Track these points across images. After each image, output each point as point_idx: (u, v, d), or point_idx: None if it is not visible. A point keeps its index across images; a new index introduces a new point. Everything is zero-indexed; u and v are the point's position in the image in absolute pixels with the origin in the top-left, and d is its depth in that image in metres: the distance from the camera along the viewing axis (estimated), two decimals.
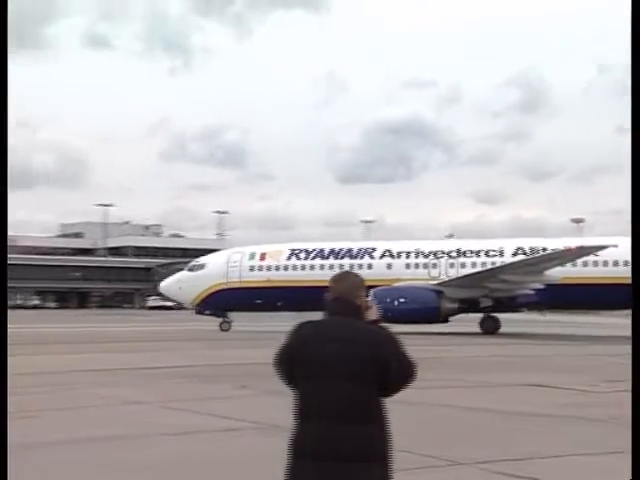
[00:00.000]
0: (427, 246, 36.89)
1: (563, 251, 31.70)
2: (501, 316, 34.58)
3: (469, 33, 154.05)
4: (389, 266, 35.55)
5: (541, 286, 32.46)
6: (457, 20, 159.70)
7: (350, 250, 36.90)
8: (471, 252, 35.69)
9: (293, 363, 3.66)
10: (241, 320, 35.79)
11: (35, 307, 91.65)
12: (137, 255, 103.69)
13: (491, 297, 33.34)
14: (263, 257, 36.17)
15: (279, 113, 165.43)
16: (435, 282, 34.22)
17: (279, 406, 9.35)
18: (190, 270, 36.79)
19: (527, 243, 35.81)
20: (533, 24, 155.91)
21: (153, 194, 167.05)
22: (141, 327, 38.54)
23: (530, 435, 8.70)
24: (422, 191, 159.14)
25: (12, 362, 18.60)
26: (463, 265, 35.04)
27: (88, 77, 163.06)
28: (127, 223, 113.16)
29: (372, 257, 36.08)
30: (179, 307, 56.08)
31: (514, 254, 34.65)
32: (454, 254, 35.55)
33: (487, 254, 35.40)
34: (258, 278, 35.44)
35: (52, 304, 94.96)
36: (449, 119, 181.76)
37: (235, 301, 34.99)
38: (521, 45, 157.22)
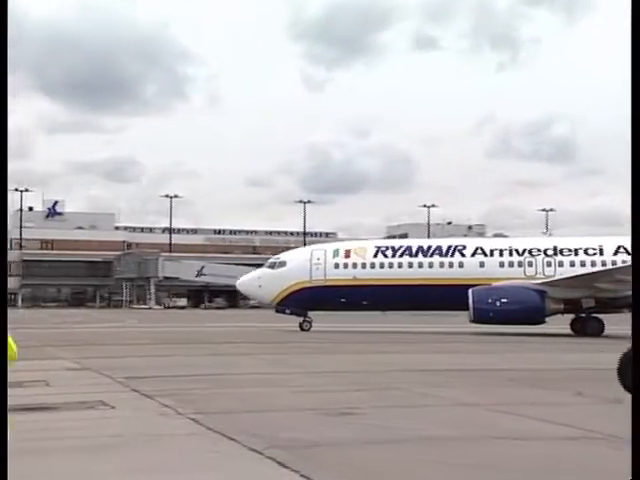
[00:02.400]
0: (521, 243, 36.14)
1: None
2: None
3: None
4: (482, 264, 34.63)
5: None
6: None
7: (439, 247, 35.57)
8: (569, 250, 34.73)
9: None
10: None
11: None
12: None
13: (594, 297, 32.51)
14: (348, 254, 35.41)
15: (613, 101, 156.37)
16: (538, 281, 32.75)
17: (619, 416, 8.94)
18: (270, 267, 36.32)
19: (629, 241, 32.26)
20: None
21: (477, 193, 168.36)
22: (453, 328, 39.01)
23: None
24: None
25: (325, 360, 20.02)
26: (561, 264, 34.08)
27: (415, 79, 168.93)
28: (450, 224, 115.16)
29: (463, 255, 35.19)
30: None
31: (615, 253, 33.77)
32: (550, 252, 34.58)
33: (586, 252, 34.49)
34: (343, 276, 34.72)
35: None
36: None
37: (318, 300, 34.45)
38: None
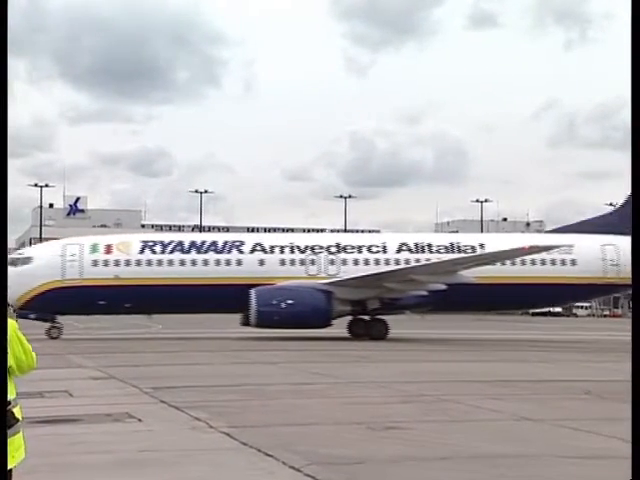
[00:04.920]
0: (302, 240, 36.48)
1: (516, 250, 31.80)
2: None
3: None
4: (261, 262, 34.36)
5: (442, 287, 32.05)
6: None
7: (215, 243, 34.95)
8: (352, 247, 35.24)
9: None
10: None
11: None
12: None
13: (379, 298, 33.04)
14: (109, 250, 33.87)
15: None
16: (325, 281, 33.08)
17: None
18: (12, 265, 32.63)
19: (411, 239, 36.32)
20: None
21: (536, 186, 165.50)
22: (517, 334, 38.65)
23: None
24: None
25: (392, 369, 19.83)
26: (344, 262, 34.45)
27: (470, 60, 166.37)
28: (505, 220, 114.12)
29: (241, 252, 34.66)
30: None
31: (398, 250, 34.88)
32: (334, 249, 34.91)
33: (369, 250, 35.13)
34: (103, 275, 33.15)
35: None
36: None
37: (71, 302, 32.68)
38: None
